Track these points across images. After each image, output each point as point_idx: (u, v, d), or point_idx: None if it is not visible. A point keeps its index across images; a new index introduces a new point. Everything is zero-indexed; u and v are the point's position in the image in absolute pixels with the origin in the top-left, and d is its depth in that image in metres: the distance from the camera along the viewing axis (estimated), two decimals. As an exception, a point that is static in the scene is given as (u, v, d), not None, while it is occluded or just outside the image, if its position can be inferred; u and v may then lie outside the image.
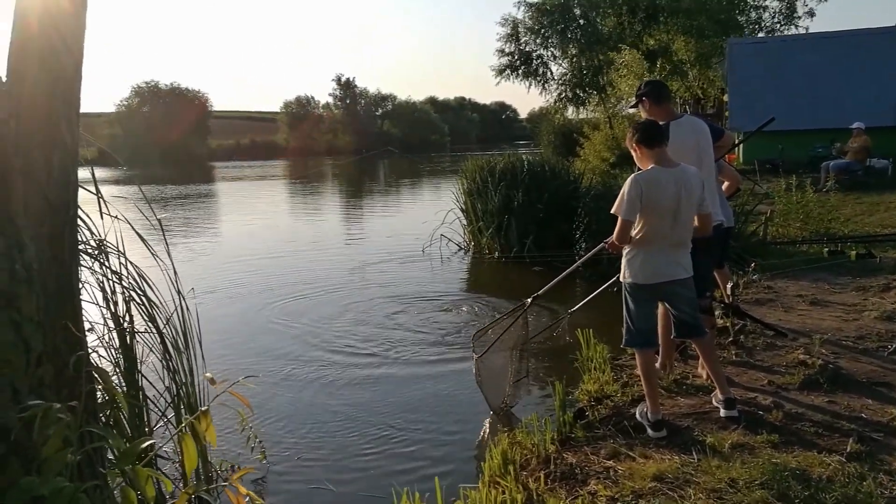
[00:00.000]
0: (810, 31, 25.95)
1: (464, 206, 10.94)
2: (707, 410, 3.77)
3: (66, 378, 1.55)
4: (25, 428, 1.25)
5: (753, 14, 26.27)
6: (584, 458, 3.39)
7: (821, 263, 6.88)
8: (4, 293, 1.38)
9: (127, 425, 3.13)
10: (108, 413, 2.96)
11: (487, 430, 4.25)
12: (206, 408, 1.36)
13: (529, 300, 4.48)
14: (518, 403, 4.54)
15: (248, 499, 1.42)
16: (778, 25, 26.67)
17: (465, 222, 11.02)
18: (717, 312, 4.85)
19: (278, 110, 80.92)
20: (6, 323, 1.38)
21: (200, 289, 7.67)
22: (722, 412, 3.64)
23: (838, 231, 8.56)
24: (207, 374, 1.61)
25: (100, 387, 1.94)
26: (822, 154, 14.43)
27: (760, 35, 25.74)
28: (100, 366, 2.15)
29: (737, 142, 6.06)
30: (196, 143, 64.65)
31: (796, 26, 26.65)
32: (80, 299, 1.95)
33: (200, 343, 3.60)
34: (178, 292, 3.43)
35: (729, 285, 5.04)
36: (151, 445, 1.56)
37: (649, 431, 3.55)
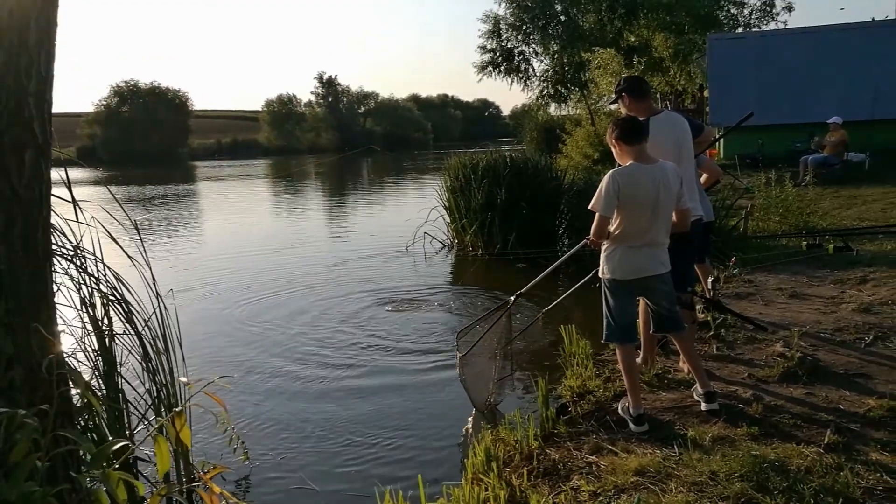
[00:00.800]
0: (789, 25, 26.22)
1: (447, 204, 10.94)
2: (688, 404, 3.80)
3: (39, 381, 1.53)
4: (-5, 432, 1.24)
5: (733, 9, 26.46)
6: (567, 454, 3.41)
7: (800, 257, 6.97)
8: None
9: (107, 428, 3.10)
10: (86, 417, 2.94)
11: (471, 428, 4.26)
12: (179, 409, 1.35)
13: (513, 298, 4.46)
14: (502, 401, 4.55)
15: (222, 497, 1.40)
16: (756, 21, 26.90)
17: (448, 220, 11.02)
18: (698, 307, 4.89)
19: (260, 109, 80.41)
20: (-25, 325, 1.36)
21: (179, 289, 7.61)
22: (703, 406, 3.67)
23: (817, 225, 8.66)
24: (182, 378, 1.60)
25: (77, 391, 1.92)
26: (800, 149, 14.58)
27: (739, 30, 25.95)
28: (76, 369, 2.12)
29: (716, 137, 6.11)
30: (177, 142, 64.05)
31: (775, 21, 26.89)
32: (55, 301, 1.93)
33: (180, 344, 3.57)
34: (157, 294, 3.40)
35: (710, 280, 5.08)
36: (126, 447, 1.54)
37: (631, 426, 3.57)
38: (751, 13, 26.24)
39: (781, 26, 25.62)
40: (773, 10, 26.07)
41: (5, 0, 1.71)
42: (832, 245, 7.01)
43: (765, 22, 26.35)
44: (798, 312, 5.37)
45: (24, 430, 1.19)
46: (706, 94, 22.59)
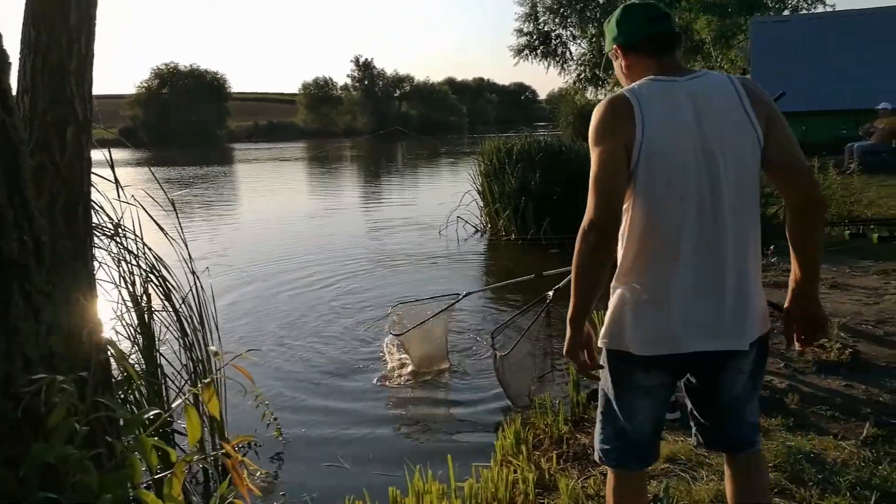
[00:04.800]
0: (837, 9, 25.36)
1: (480, 188, 10.91)
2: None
3: (80, 350, 1.58)
4: (36, 397, 1.29)
5: (780, -9, 25.75)
6: (597, 440, 3.39)
7: (842, 246, 6.79)
8: (14, 263, 1.41)
9: (146, 402, 3.19)
10: (126, 389, 3.02)
11: (500, 411, 4.27)
12: (208, 380, 1.38)
13: (551, 293, 4.30)
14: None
15: (244, 465, 1.43)
16: (804, 3, 26.09)
17: (481, 204, 10.99)
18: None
19: (297, 91, 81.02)
20: (17, 292, 1.41)
21: (215, 267, 7.76)
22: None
23: (861, 214, 8.41)
24: (212, 348, 1.63)
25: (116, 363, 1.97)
26: (846, 135, 14.15)
27: (786, 13, 25.21)
28: (113, 340, 2.18)
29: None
30: (215, 124, 65.02)
31: (823, 4, 26.05)
32: (95, 275, 1.98)
33: (216, 322, 3.64)
34: (193, 272, 3.47)
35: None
36: (160, 416, 1.59)
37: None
38: (799, -5, 25.48)
39: (829, 9, 24.82)
40: (822, -8, 25.29)
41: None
42: (877, 235, 6.82)
43: (812, 5, 25.57)
44: (839, 303, 5.24)
45: (63, 395, 1.24)
46: (748, 78, 22.01)
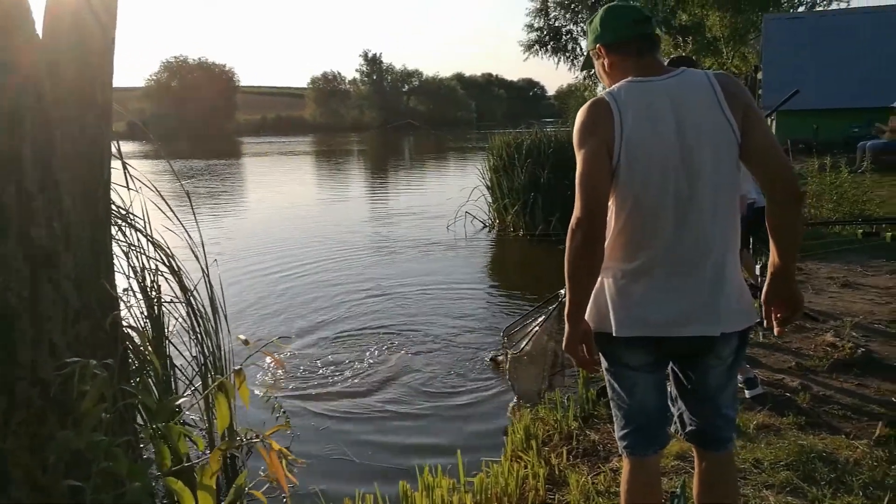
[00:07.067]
0: (851, 5, 25.14)
1: (489, 184, 10.88)
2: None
3: (102, 336, 1.58)
4: (62, 383, 1.29)
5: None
6: (607, 436, 3.38)
7: (854, 245, 6.73)
8: (44, 249, 1.41)
9: (156, 391, 3.19)
10: (138, 379, 3.03)
11: (511, 407, 4.26)
12: (238, 367, 1.38)
13: (563, 291, 4.29)
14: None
15: (281, 455, 1.43)
16: (819, 0, 25.88)
17: (490, 199, 10.97)
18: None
19: (305, 86, 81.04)
20: (45, 280, 1.41)
21: (224, 259, 7.78)
22: (746, 393, 3.59)
23: (874, 213, 8.35)
24: (241, 336, 1.63)
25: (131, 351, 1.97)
26: (858, 134, 14.04)
27: (800, 10, 25.00)
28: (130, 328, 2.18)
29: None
30: (223, 117, 65.13)
31: (838, 1, 25.83)
32: (113, 261, 1.98)
33: (225, 314, 3.64)
34: (204, 263, 3.47)
35: (757, 266, 4.95)
36: (179, 407, 1.59)
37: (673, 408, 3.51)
38: (812, -8, 25.26)
39: (843, 6, 24.60)
40: (836, -11, 25.06)
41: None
42: (890, 234, 6.74)
43: (826, 2, 25.34)
44: (851, 302, 5.21)
45: (95, 381, 1.23)
46: (759, 76, 21.88)
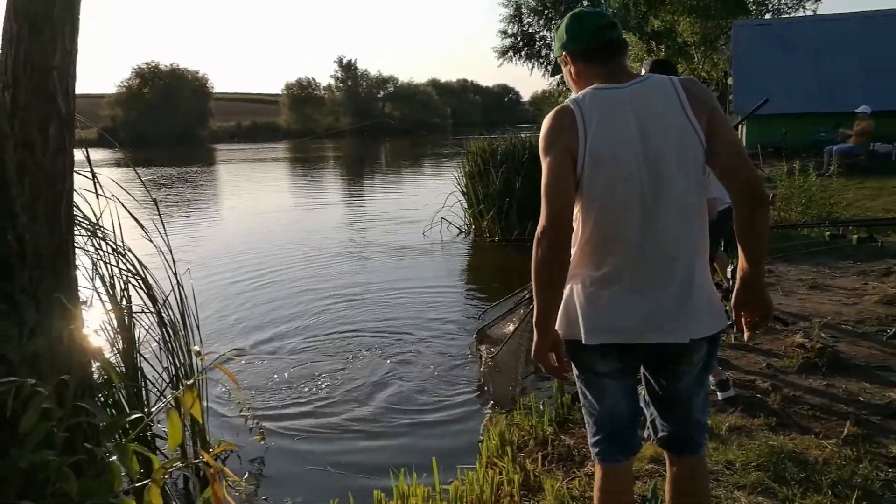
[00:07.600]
0: (818, 13, 25.67)
1: (465, 189, 10.91)
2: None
3: (61, 352, 1.55)
4: (14, 401, 1.25)
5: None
6: (582, 441, 3.40)
7: (822, 248, 6.86)
8: (-3, 262, 1.38)
9: (126, 405, 3.14)
10: (105, 393, 2.97)
11: (485, 412, 4.26)
12: (191, 382, 1.35)
13: (528, 294, 4.33)
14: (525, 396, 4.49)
15: (223, 475, 1.41)
16: (785, 7, 26.38)
17: (465, 205, 10.99)
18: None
19: (280, 92, 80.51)
20: (-1, 293, 1.38)
21: (195, 268, 7.69)
22: (719, 396, 3.63)
23: (840, 215, 8.52)
24: (195, 348, 1.61)
25: (98, 366, 1.93)
26: (825, 138, 14.32)
27: (767, 17, 25.47)
28: (93, 341, 2.14)
29: (734, 125, 6.00)
30: (197, 125, 64.42)
31: (804, 8, 26.36)
32: (76, 275, 1.95)
33: (197, 323, 3.60)
34: (174, 273, 3.42)
35: (729, 269, 5.02)
36: (141, 420, 1.56)
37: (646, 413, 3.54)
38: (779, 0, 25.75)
39: (810, 13, 25.12)
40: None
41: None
42: (856, 236, 6.89)
43: (794, 9, 25.85)
44: (819, 303, 5.30)
45: (34, 399, 1.20)
46: (730, 81, 22.24)
